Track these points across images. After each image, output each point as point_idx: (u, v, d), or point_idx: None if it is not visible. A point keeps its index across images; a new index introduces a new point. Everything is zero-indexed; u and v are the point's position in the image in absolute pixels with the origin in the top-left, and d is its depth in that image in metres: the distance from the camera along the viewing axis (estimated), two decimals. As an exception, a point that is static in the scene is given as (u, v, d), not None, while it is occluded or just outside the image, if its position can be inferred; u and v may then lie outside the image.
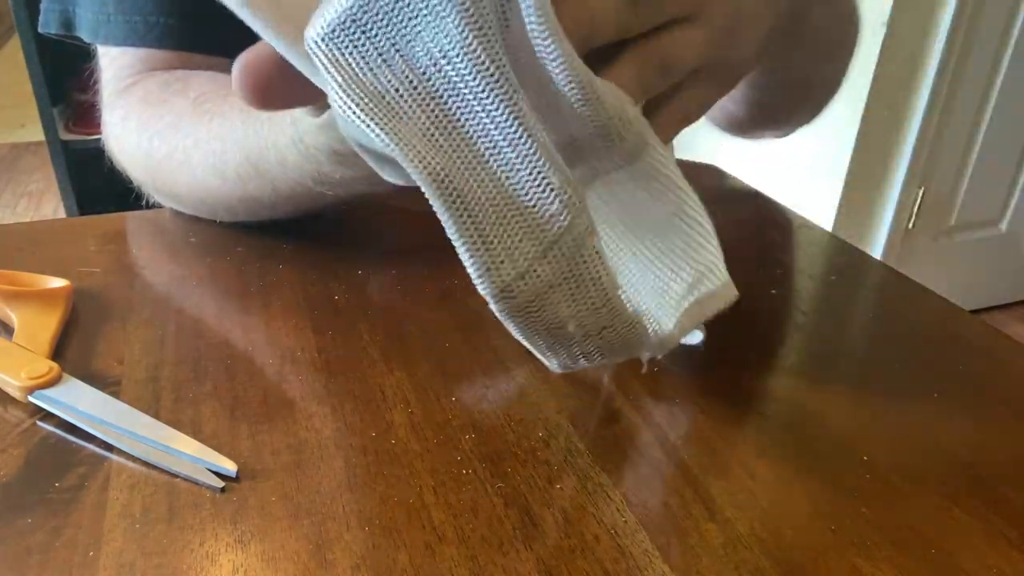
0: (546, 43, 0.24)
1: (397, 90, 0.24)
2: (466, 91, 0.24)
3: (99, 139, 0.54)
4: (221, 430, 0.33)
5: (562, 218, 0.25)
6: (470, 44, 0.23)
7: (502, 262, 0.24)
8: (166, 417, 0.33)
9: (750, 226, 0.54)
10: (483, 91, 0.23)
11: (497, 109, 0.24)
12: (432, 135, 0.24)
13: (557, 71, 0.24)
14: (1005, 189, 1.91)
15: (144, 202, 0.55)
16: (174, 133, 0.47)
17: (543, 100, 0.26)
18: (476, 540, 0.28)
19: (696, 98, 0.32)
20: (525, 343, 0.28)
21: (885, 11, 1.52)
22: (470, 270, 0.25)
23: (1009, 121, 1.77)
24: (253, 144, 0.41)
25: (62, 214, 1.96)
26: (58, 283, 0.41)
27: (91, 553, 0.27)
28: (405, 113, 0.24)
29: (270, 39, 0.25)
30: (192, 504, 0.29)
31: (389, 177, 0.29)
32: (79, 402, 0.33)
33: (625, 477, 0.31)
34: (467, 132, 0.24)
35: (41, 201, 2.45)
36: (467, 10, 0.23)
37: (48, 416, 0.33)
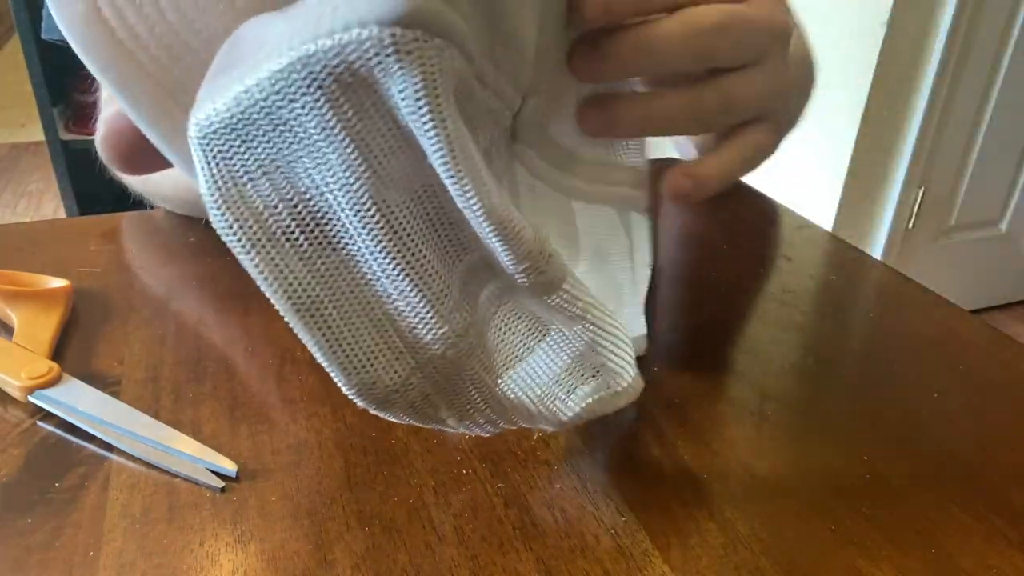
0: (455, 183, 0.22)
1: (275, 205, 0.22)
2: (345, 222, 0.22)
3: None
4: (221, 430, 0.33)
5: (443, 343, 0.24)
6: (351, 182, 0.22)
7: (376, 380, 0.24)
8: (166, 417, 0.33)
9: (750, 226, 0.54)
10: (362, 228, 0.22)
11: (377, 247, 0.23)
12: (307, 255, 0.22)
13: (471, 209, 0.23)
14: (1005, 189, 1.91)
15: (145, 203, 0.55)
16: None
17: (452, 222, 0.24)
18: (476, 540, 0.28)
19: (754, 142, 0.33)
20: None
21: (885, 11, 1.52)
22: (344, 387, 0.24)
23: (1009, 121, 1.77)
24: None
25: (62, 214, 1.96)
26: (58, 283, 0.41)
27: (91, 553, 0.27)
28: (279, 229, 0.22)
29: (137, 119, 0.24)
30: (192, 504, 0.29)
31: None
32: (79, 402, 0.33)
33: (625, 477, 0.31)
34: (346, 258, 0.23)
35: (41, 201, 2.46)
36: (347, 148, 0.21)
37: (48, 416, 0.33)
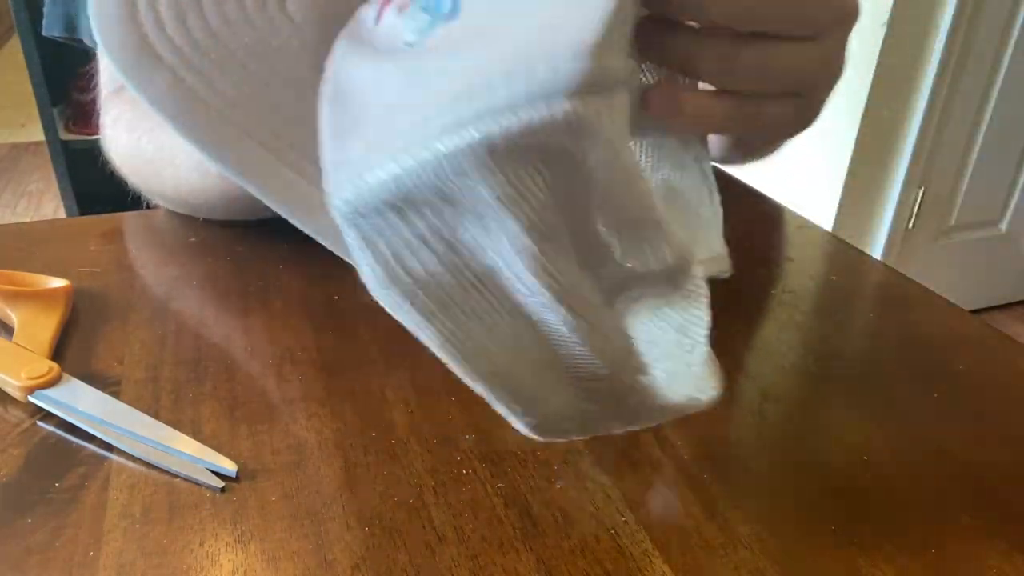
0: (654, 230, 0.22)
1: (440, 272, 0.21)
2: (512, 278, 0.22)
3: (99, 139, 0.55)
4: (221, 430, 0.33)
5: (600, 370, 0.24)
6: (521, 243, 0.21)
7: (547, 417, 0.24)
8: (166, 417, 0.33)
9: (750, 226, 0.54)
10: (529, 282, 0.22)
11: (541, 296, 0.22)
12: (477, 314, 0.22)
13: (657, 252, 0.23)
14: (1005, 189, 1.90)
15: (144, 203, 0.55)
16: (161, 132, 0.47)
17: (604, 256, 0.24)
18: (476, 540, 0.28)
19: (779, 109, 0.31)
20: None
21: (885, 11, 1.52)
22: (522, 429, 0.24)
23: (1009, 121, 1.77)
24: None
25: (62, 214, 1.96)
26: (58, 283, 0.41)
27: (91, 553, 0.27)
28: (447, 295, 0.22)
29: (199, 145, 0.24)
30: (192, 504, 0.29)
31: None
32: (79, 402, 0.33)
33: (625, 477, 0.31)
34: (512, 311, 0.22)
35: (41, 201, 2.45)
36: (521, 214, 0.20)
37: (48, 416, 0.33)
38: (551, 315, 0.23)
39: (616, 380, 0.25)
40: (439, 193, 0.20)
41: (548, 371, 0.24)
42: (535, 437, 0.24)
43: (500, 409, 0.24)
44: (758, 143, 0.53)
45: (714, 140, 0.55)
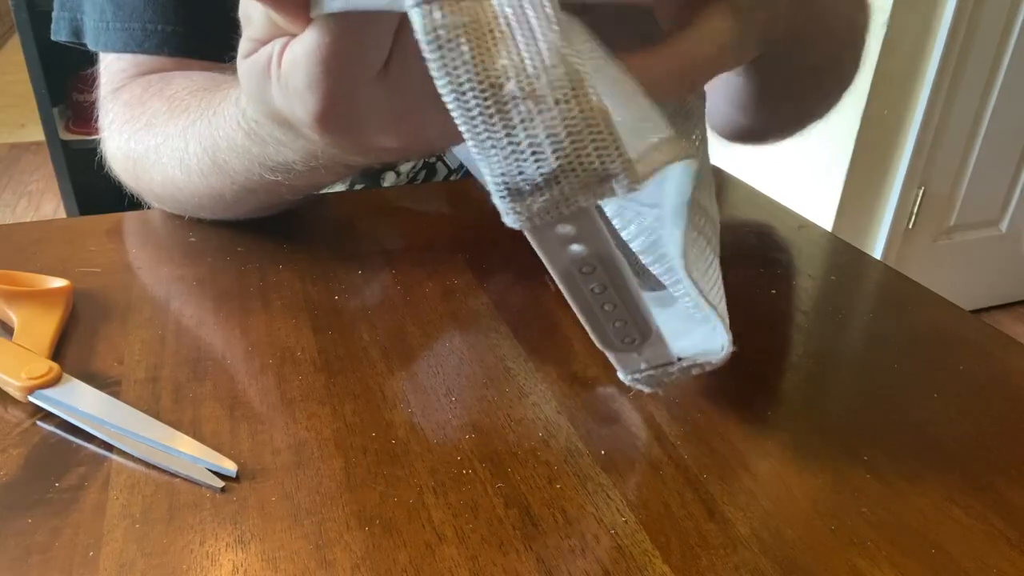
0: None
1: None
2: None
3: (99, 140, 0.55)
4: (221, 430, 0.33)
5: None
6: None
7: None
8: (166, 417, 0.33)
9: (750, 226, 0.54)
10: None
11: None
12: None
13: None
14: (1005, 189, 1.90)
15: (143, 203, 0.55)
16: (148, 133, 0.47)
17: None
18: (476, 540, 0.28)
19: (714, 28, 0.29)
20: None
21: (885, 11, 1.52)
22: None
23: (1009, 121, 1.77)
24: (207, 135, 0.42)
25: (62, 214, 1.96)
26: (58, 283, 0.41)
27: (91, 553, 0.27)
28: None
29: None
30: (192, 504, 0.29)
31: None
32: (79, 402, 0.33)
33: (625, 477, 0.31)
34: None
35: (41, 201, 2.45)
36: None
37: (48, 416, 0.33)
38: None
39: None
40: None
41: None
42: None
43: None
44: (772, 125, 0.52)
45: (722, 114, 0.54)
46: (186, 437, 0.32)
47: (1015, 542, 0.29)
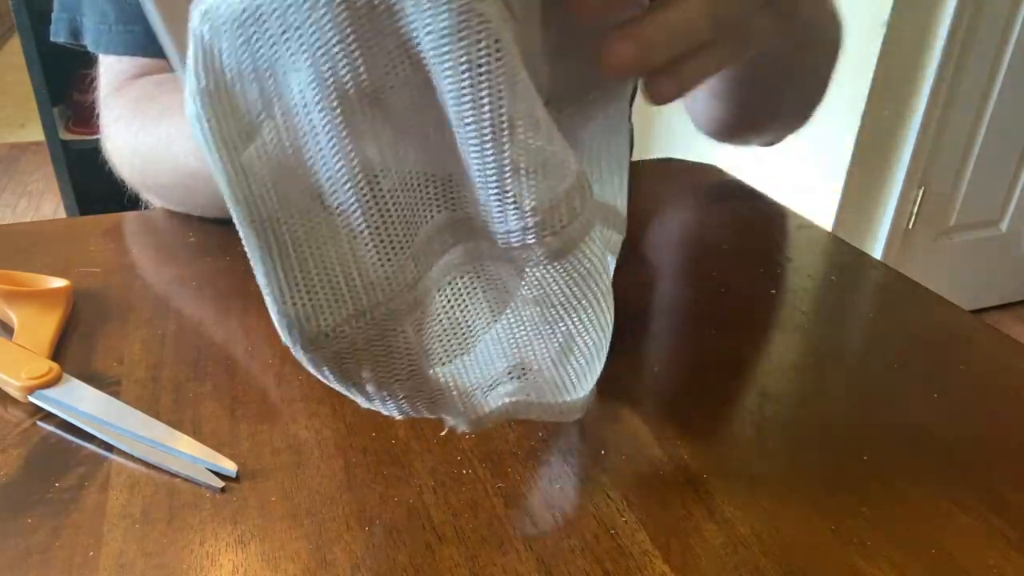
0: (466, 111, 0.21)
1: (257, 112, 0.22)
2: (324, 148, 0.22)
3: (99, 139, 0.55)
4: (221, 430, 0.33)
5: (378, 294, 0.23)
6: (343, 108, 0.21)
7: (310, 317, 0.23)
8: (166, 417, 0.33)
9: (750, 226, 0.54)
10: (338, 157, 0.22)
11: (349, 181, 0.22)
12: (275, 168, 0.22)
13: (480, 147, 0.22)
14: (1005, 189, 1.90)
15: (142, 203, 0.55)
16: (160, 124, 0.47)
17: (447, 174, 0.24)
18: (476, 540, 0.28)
19: (699, 63, 0.28)
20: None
21: (885, 11, 1.52)
22: (276, 317, 0.24)
23: (1009, 121, 1.77)
24: None
25: (62, 214, 1.96)
26: (58, 283, 0.41)
27: (91, 553, 0.27)
28: (254, 136, 0.22)
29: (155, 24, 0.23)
30: (192, 504, 0.29)
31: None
32: (79, 402, 0.33)
33: (625, 477, 0.31)
34: (313, 183, 0.22)
35: (41, 201, 2.45)
36: (357, 67, 0.21)
37: (48, 416, 0.33)
38: (354, 202, 0.22)
39: (390, 310, 0.24)
40: (285, 24, 0.20)
41: (324, 264, 0.23)
42: (288, 341, 0.24)
43: (263, 288, 0.23)
44: (759, 110, 0.52)
45: (707, 116, 0.54)
46: (186, 437, 0.32)
47: (1015, 542, 0.29)
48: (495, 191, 0.22)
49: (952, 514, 0.30)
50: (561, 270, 0.25)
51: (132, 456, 0.31)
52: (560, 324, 0.27)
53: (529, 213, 0.23)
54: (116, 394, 0.34)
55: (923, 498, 0.31)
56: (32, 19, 1.52)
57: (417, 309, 0.25)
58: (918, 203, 1.78)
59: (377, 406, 0.26)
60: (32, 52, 1.56)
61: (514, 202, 0.23)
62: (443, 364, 0.27)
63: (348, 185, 0.22)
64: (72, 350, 0.38)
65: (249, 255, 0.22)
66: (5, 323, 0.39)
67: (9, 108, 3.04)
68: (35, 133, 1.98)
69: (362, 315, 0.23)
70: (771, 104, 0.53)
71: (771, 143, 0.58)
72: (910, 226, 1.80)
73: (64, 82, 1.70)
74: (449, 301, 0.27)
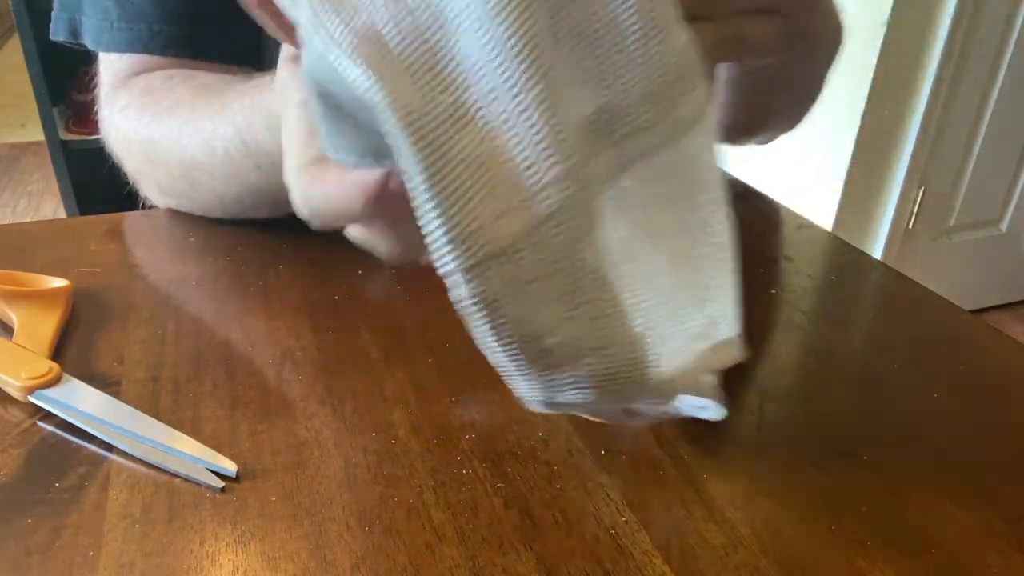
0: None
1: (379, 6, 0.19)
2: (465, 17, 0.19)
3: (99, 139, 0.55)
4: (221, 430, 0.33)
5: (559, 191, 0.20)
6: None
7: (474, 231, 0.20)
8: (166, 417, 0.33)
9: (750, 226, 0.54)
10: (496, 25, 0.19)
11: (505, 52, 0.19)
12: (415, 70, 0.19)
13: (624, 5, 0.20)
14: (1005, 189, 1.90)
15: (142, 203, 0.55)
16: (170, 116, 0.47)
17: (582, 50, 0.21)
18: (476, 540, 0.28)
19: (752, 27, 0.29)
20: (491, 358, 0.22)
21: (885, 11, 1.52)
22: (435, 236, 0.20)
23: (1009, 121, 1.77)
24: (244, 115, 0.42)
25: (62, 214, 1.96)
26: (58, 283, 0.41)
27: (91, 553, 0.27)
28: (386, 38, 0.19)
29: None
30: (192, 504, 0.29)
31: (335, 147, 0.23)
32: (79, 402, 0.33)
33: (625, 477, 0.31)
34: (461, 70, 0.20)
35: (41, 201, 2.45)
36: None
37: (48, 416, 0.33)
38: (515, 74, 0.20)
39: (573, 220, 0.21)
40: None
41: (488, 169, 0.20)
42: (454, 266, 0.20)
43: (421, 210, 0.20)
44: (757, 116, 0.52)
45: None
46: (186, 437, 0.32)
47: (1015, 542, 0.29)
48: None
49: (952, 514, 0.30)
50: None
51: (132, 456, 0.31)
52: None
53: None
54: (116, 394, 0.34)
55: (923, 498, 0.31)
56: (32, 19, 1.52)
57: (598, 218, 0.22)
58: (918, 203, 1.78)
59: (555, 387, 0.23)
60: (32, 52, 1.56)
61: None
62: (633, 315, 0.23)
63: (511, 52, 0.20)
64: (72, 350, 0.38)
65: (406, 174, 0.20)
66: (5, 323, 0.39)
67: (9, 108, 3.04)
68: (35, 133, 1.98)
69: (539, 227, 0.20)
70: (769, 110, 0.53)
71: (763, 143, 0.58)
72: (910, 226, 1.80)
73: (64, 82, 1.71)
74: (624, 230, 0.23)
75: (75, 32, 0.56)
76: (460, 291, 0.21)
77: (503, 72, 0.20)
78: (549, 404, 0.24)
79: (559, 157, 0.20)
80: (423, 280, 0.44)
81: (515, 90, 0.20)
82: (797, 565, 0.27)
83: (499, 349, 0.22)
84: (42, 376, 0.33)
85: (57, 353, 0.37)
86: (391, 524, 0.28)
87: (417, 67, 0.19)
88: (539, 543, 0.28)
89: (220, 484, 0.30)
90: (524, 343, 0.22)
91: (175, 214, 0.52)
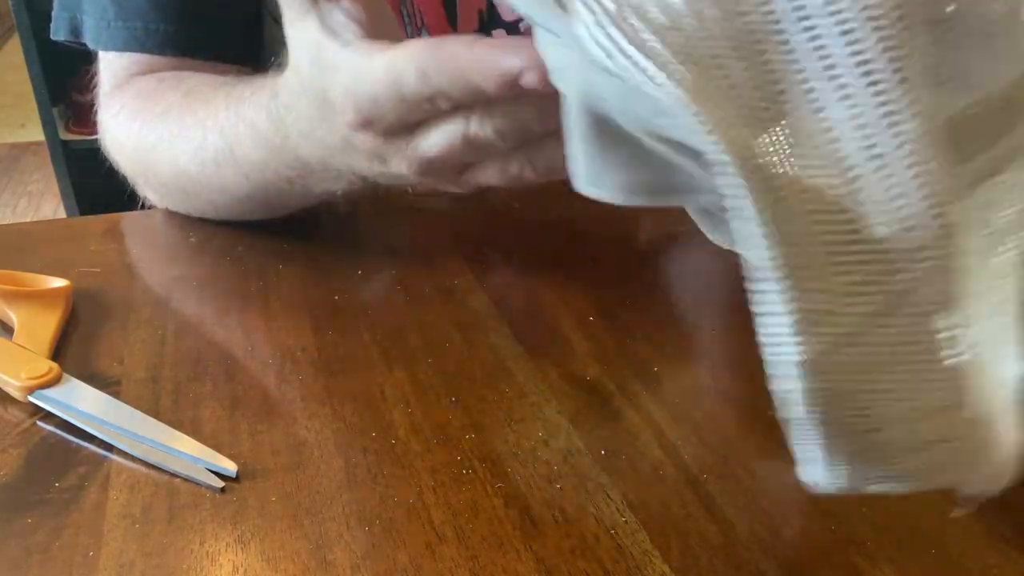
0: None
1: (701, 25, 0.15)
2: (818, 40, 0.15)
3: (99, 138, 0.55)
4: (221, 430, 0.33)
5: (918, 261, 0.16)
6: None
7: (825, 315, 0.16)
8: (166, 417, 0.33)
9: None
10: (849, 37, 0.15)
11: (871, 69, 0.15)
12: (752, 103, 0.15)
13: None
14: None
15: (141, 203, 0.55)
16: (162, 123, 0.47)
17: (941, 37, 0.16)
18: (476, 540, 0.28)
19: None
20: (797, 443, 0.18)
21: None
22: (777, 323, 0.16)
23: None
24: (230, 125, 0.42)
25: (62, 214, 1.96)
26: (58, 283, 0.41)
27: (91, 553, 0.27)
28: (712, 61, 0.15)
29: None
30: (192, 504, 0.29)
31: (592, 180, 0.19)
32: (79, 402, 0.33)
33: (625, 477, 0.31)
34: (799, 101, 0.15)
35: (41, 201, 2.45)
36: None
37: (48, 416, 0.33)
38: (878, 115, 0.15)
39: (933, 290, 0.16)
40: None
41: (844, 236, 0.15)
42: (798, 379, 0.16)
43: (775, 300, 0.15)
44: None
45: None
46: (186, 437, 0.32)
47: (1015, 542, 0.29)
48: None
49: (952, 514, 0.30)
50: None
51: (132, 456, 0.31)
52: None
53: None
54: (116, 394, 0.34)
55: (923, 498, 0.31)
56: (32, 19, 1.52)
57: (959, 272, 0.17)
58: None
59: (877, 478, 0.18)
60: (32, 52, 1.56)
61: None
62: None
63: (880, 88, 0.15)
64: (72, 350, 0.38)
65: (741, 238, 0.16)
66: (5, 323, 0.39)
67: (9, 108, 3.04)
68: (35, 133, 1.98)
69: (896, 304, 0.16)
70: None
71: None
72: (910, 226, 1.80)
73: (64, 82, 1.70)
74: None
75: (76, 31, 0.56)
76: (788, 385, 0.17)
77: (865, 106, 0.15)
78: (848, 491, 0.20)
79: (927, 210, 0.16)
80: (423, 280, 0.44)
81: (883, 127, 0.16)
82: (797, 565, 0.27)
83: (809, 441, 0.18)
84: (42, 376, 0.33)
85: (57, 353, 0.37)
86: (391, 524, 0.28)
87: (750, 97, 0.16)
88: (539, 543, 0.28)
89: (220, 484, 0.30)
90: (849, 438, 0.17)
91: (175, 214, 0.52)
